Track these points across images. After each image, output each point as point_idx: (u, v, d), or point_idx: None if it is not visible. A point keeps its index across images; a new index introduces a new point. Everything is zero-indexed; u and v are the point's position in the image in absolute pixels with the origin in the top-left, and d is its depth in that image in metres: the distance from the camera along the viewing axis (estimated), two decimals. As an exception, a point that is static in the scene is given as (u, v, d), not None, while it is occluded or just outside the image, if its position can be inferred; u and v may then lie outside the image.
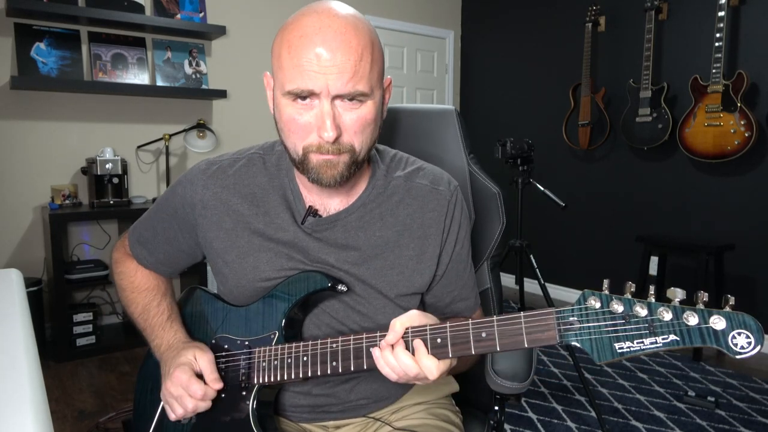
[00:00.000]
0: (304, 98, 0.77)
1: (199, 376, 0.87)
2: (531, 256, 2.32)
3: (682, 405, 2.31)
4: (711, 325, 0.62)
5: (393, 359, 0.75)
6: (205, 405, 0.87)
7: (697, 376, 2.62)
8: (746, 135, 2.77)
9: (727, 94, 2.82)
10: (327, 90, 0.75)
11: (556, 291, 3.87)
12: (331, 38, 0.75)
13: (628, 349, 0.65)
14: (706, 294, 0.63)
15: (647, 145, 3.23)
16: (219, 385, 0.88)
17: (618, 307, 0.66)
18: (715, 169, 3.07)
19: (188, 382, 0.85)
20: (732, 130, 2.81)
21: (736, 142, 2.81)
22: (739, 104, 2.78)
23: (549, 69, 3.96)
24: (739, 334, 0.61)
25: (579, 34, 3.62)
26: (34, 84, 2.85)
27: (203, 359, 0.88)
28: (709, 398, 2.31)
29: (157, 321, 0.97)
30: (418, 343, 0.75)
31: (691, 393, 2.38)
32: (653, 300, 0.65)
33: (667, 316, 0.64)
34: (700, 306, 0.63)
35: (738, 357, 0.61)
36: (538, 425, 2.14)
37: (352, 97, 0.77)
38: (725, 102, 2.83)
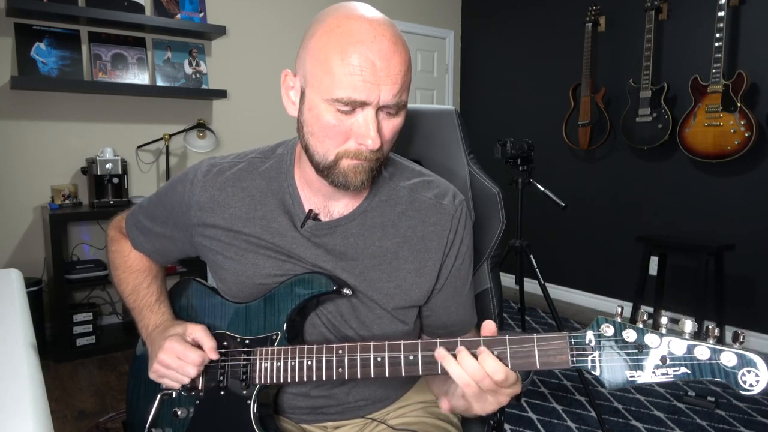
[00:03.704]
0: (347, 104, 0.75)
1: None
2: (531, 256, 2.32)
3: (682, 405, 2.32)
4: (722, 361, 0.63)
5: (456, 366, 0.72)
6: (197, 372, 0.86)
7: (697, 376, 2.62)
8: (746, 135, 2.77)
9: (727, 94, 2.82)
10: (378, 100, 0.74)
11: (556, 291, 3.87)
12: (386, 48, 0.73)
13: (639, 379, 0.66)
14: (717, 328, 0.65)
15: (647, 145, 3.23)
16: (216, 355, 0.87)
17: (631, 337, 0.67)
18: (715, 169, 3.07)
19: (185, 350, 0.85)
20: (732, 130, 2.81)
21: (736, 142, 2.81)
22: (739, 104, 2.78)
23: (549, 69, 3.96)
24: (748, 371, 0.62)
25: (579, 34, 3.62)
26: (34, 84, 2.85)
27: (197, 329, 0.88)
28: (709, 398, 2.31)
29: (146, 302, 0.98)
30: (482, 349, 0.72)
31: (691, 393, 2.38)
32: (665, 331, 0.66)
33: (679, 349, 0.65)
34: (711, 341, 0.64)
35: (746, 393, 0.63)
36: (538, 425, 2.14)
37: (394, 107, 0.77)
38: (725, 102, 2.83)
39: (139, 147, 3.24)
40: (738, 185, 2.99)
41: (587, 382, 2.21)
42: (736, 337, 0.64)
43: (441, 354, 0.73)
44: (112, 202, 2.91)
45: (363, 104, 0.74)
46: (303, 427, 0.96)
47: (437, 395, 0.97)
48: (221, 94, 3.35)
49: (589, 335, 0.69)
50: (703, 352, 0.64)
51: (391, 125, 0.79)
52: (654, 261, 3.16)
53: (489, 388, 0.72)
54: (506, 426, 2.12)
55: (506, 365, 0.72)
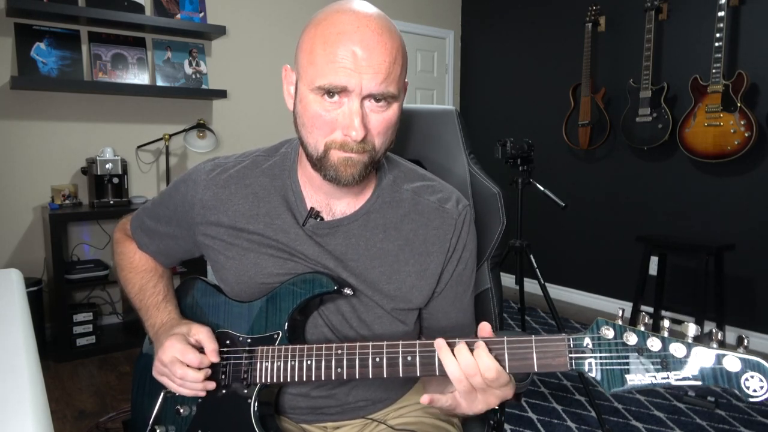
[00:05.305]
0: (332, 95, 0.76)
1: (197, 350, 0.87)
2: (531, 256, 2.32)
3: (682, 405, 2.31)
4: (724, 366, 0.61)
5: (451, 358, 0.72)
6: (195, 376, 0.84)
7: (697, 376, 2.62)
8: (746, 135, 2.77)
9: (727, 94, 2.82)
10: (360, 89, 0.75)
11: (556, 291, 3.87)
12: (369, 37, 0.74)
13: (639, 383, 0.64)
14: (720, 332, 0.62)
15: (647, 145, 3.23)
16: (216, 358, 0.87)
17: (631, 339, 0.65)
18: (715, 169, 3.07)
19: (183, 350, 0.84)
20: (732, 130, 2.81)
21: (736, 142, 2.81)
22: (739, 104, 2.78)
23: (549, 69, 3.96)
24: (752, 377, 0.60)
25: (579, 34, 3.62)
26: (34, 84, 2.85)
27: (201, 331, 0.88)
28: (709, 398, 2.31)
29: (152, 302, 0.98)
30: (479, 344, 0.72)
31: (691, 393, 2.38)
32: (667, 334, 0.64)
33: (681, 353, 0.63)
34: (714, 345, 0.62)
35: (750, 400, 0.60)
36: (538, 425, 2.14)
37: (381, 98, 0.77)
38: (725, 102, 2.83)
39: (139, 147, 3.24)
40: (738, 185, 2.99)
41: (587, 382, 2.21)
42: (740, 341, 0.62)
43: (439, 344, 0.74)
44: (112, 202, 2.91)
45: (344, 91, 0.75)
46: (303, 427, 0.96)
47: None
48: (221, 94, 3.35)
49: (589, 337, 0.68)
50: (705, 355, 0.62)
51: (381, 119, 0.79)
52: (654, 261, 3.16)
53: (479, 386, 0.72)
54: (506, 426, 2.12)
55: (504, 367, 0.71)
